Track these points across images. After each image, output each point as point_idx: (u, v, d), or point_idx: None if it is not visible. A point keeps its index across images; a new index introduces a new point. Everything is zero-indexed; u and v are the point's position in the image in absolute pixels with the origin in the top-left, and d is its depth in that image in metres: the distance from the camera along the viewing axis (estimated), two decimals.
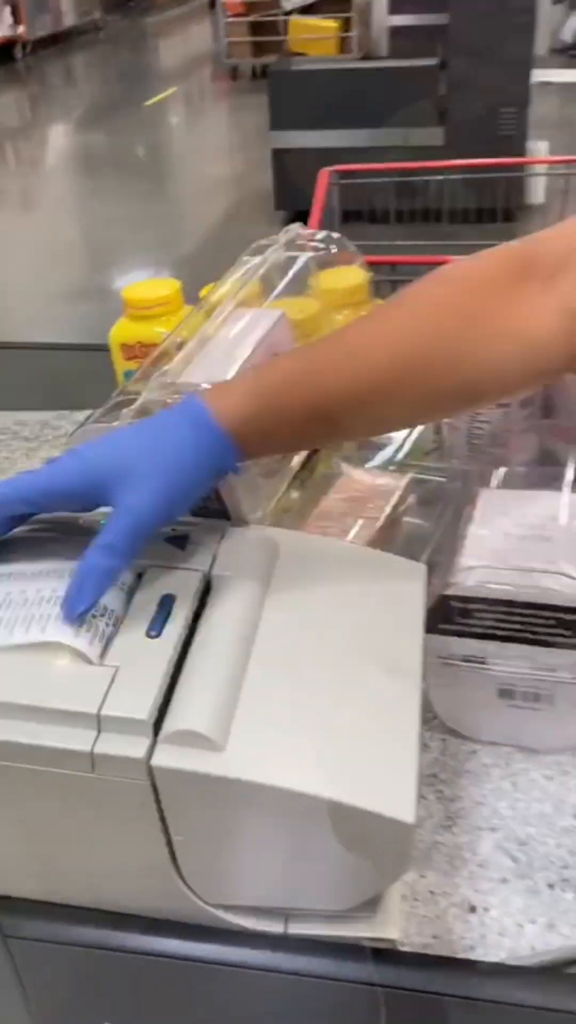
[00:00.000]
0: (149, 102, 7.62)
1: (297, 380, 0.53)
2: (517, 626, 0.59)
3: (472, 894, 0.54)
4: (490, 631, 0.59)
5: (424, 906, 0.53)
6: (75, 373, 1.17)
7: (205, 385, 0.60)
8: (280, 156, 4.07)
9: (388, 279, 1.59)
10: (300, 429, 0.53)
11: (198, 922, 0.47)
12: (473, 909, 0.53)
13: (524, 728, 0.62)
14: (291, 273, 0.72)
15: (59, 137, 7.42)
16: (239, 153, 6.12)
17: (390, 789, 0.43)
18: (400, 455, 0.84)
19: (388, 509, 0.78)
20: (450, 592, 0.59)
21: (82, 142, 6.98)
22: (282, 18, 7.40)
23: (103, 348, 0.99)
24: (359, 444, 0.85)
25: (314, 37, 7.18)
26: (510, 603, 0.58)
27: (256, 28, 7.79)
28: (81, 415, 1.11)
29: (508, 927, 0.52)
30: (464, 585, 0.59)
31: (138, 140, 6.79)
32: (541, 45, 5.09)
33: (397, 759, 0.45)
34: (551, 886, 0.54)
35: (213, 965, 0.46)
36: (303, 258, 0.73)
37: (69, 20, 9.95)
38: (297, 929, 0.47)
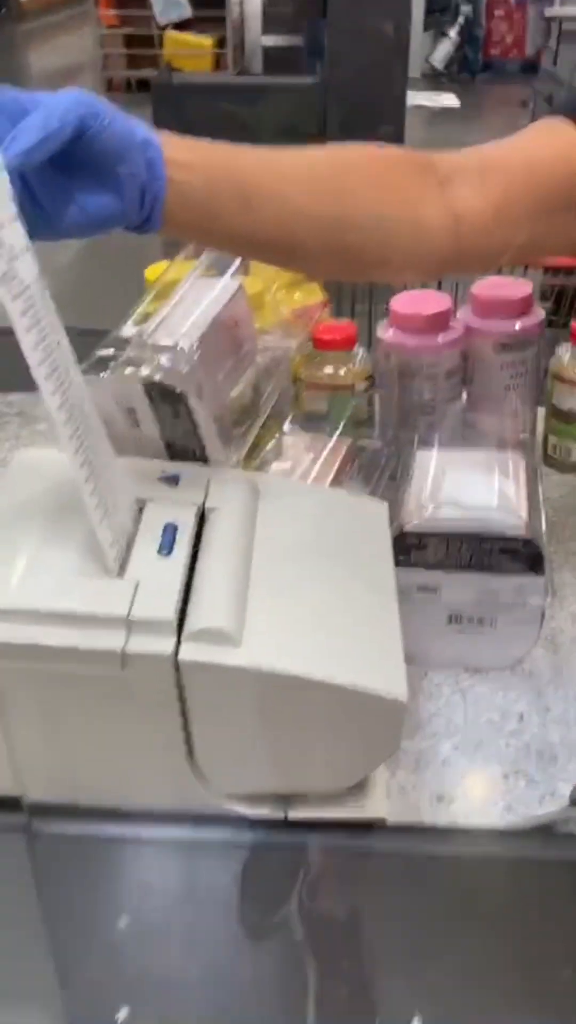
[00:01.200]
0: None
1: (220, 150, 0.58)
2: (465, 556, 0.66)
3: (438, 787, 0.61)
4: (441, 562, 0.67)
5: (399, 800, 0.60)
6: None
7: (181, 345, 0.66)
8: None
9: None
10: (215, 191, 0.55)
11: (209, 812, 0.53)
12: (441, 799, 0.60)
13: (470, 651, 0.70)
14: None
15: None
16: None
17: (385, 674, 0.50)
18: (339, 426, 0.91)
19: (332, 473, 0.85)
20: (407, 528, 0.67)
21: None
22: (157, 32, 7.46)
23: None
24: (302, 418, 0.92)
25: (189, 53, 7.27)
26: (460, 535, 0.66)
27: (131, 41, 7.82)
28: (14, 397, 1.13)
29: (472, 811, 0.59)
30: (420, 521, 0.67)
31: None
32: (413, 69, 5.33)
33: (387, 650, 0.51)
34: (506, 777, 0.62)
35: (228, 845, 0.52)
36: None
37: None
38: (296, 814, 0.53)
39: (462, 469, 0.75)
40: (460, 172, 0.64)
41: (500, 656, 0.70)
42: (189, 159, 0.54)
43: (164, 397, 0.62)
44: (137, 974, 0.56)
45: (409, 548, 0.67)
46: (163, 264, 0.89)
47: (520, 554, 0.66)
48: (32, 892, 0.54)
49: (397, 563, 0.67)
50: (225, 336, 0.74)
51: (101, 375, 0.64)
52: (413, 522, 0.67)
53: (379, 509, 0.64)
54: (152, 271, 0.96)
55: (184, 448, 0.64)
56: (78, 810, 0.53)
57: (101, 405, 0.65)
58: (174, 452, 0.65)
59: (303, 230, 0.59)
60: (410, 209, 0.62)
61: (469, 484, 0.72)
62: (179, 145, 0.54)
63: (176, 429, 0.64)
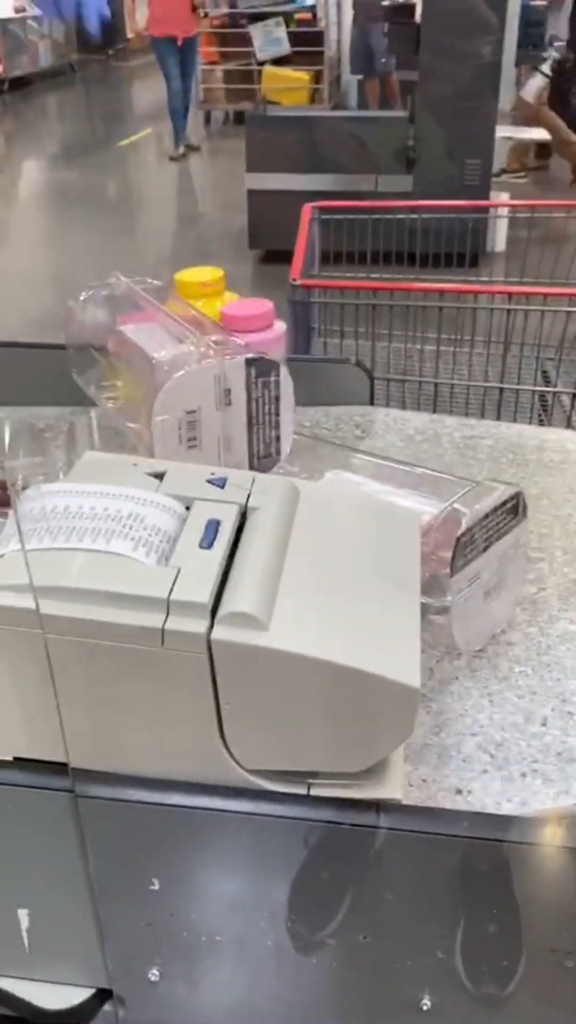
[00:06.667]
0: (122, 142, 7.81)
1: None
2: (494, 530, 0.71)
3: (458, 781, 0.64)
4: (485, 542, 0.71)
5: (418, 791, 0.64)
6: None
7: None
8: (255, 197, 4.25)
9: (372, 303, 1.74)
10: None
11: (236, 786, 0.57)
12: (459, 792, 0.64)
13: (496, 614, 0.75)
14: None
15: (33, 173, 7.55)
16: (212, 195, 6.31)
17: (400, 661, 0.54)
18: None
19: None
20: (459, 536, 0.70)
21: (56, 179, 7.12)
22: (256, 68, 7.68)
23: None
24: None
25: (287, 87, 7.46)
26: (488, 514, 0.70)
27: (230, 76, 8.07)
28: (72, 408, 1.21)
29: (488, 805, 0.63)
30: (466, 523, 0.70)
31: (112, 179, 6.95)
32: (504, 102, 5.36)
33: (404, 641, 0.56)
34: (523, 775, 0.65)
35: (252, 816, 0.56)
36: None
37: (46, 61, 10.20)
38: (318, 791, 0.57)
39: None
40: None
41: (511, 602, 0.75)
42: None
43: (260, 370, 0.77)
44: (168, 935, 0.61)
45: (465, 546, 0.70)
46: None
47: (516, 506, 0.72)
48: (76, 854, 0.60)
49: (458, 569, 0.70)
50: None
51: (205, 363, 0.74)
52: (461, 528, 0.70)
53: (412, 518, 0.68)
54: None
55: (262, 420, 0.79)
56: (118, 778, 0.58)
57: (201, 390, 0.77)
58: (252, 425, 0.79)
59: None
60: None
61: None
62: None
63: (262, 401, 0.78)
